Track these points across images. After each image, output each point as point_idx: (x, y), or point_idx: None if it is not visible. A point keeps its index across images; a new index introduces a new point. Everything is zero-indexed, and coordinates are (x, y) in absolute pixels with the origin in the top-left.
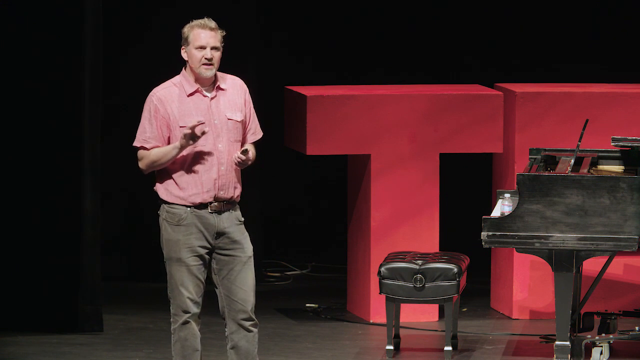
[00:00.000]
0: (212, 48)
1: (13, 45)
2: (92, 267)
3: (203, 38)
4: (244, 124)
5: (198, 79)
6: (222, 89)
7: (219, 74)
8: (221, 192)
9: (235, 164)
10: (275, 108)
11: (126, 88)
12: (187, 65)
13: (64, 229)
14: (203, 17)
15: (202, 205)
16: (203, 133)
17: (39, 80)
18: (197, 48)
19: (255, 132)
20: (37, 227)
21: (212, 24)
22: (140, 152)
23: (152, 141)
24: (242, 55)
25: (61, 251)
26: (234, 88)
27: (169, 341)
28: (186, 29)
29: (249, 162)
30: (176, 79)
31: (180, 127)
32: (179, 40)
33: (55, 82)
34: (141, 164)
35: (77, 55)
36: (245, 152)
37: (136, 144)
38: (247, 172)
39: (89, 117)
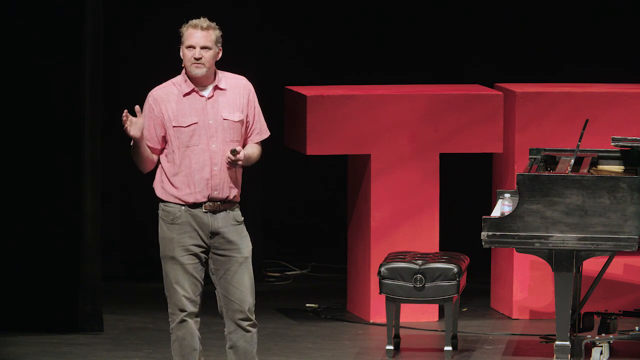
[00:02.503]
0: (202, 47)
1: (13, 45)
2: (92, 267)
3: (193, 38)
4: (244, 124)
5: (193, 79)
6: (221, 89)
7: (221, 73)
8: (215, 192)
9: (227, 163)
10: (275, 108)
11: (126, 88)
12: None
13: (64, 229)
14: (200, 17)
15: (195, 205)
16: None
17: (39, 80)
18: (187, 47)
19: (261, 132)
20: (37, 227)
21: (205, 23)
22: None
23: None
24: (242, 56)
25: (61, 251)
26: (236, 88)
27: (169, 341)
28: (182, 29)
29: (240, 162)
30: (176, 78)
31: (174, 127)
32: (179, 41)
33: (55, 82)
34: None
35: (77, 55)
36: (234, 152)
37: (132, 143)
38: (247, 172)
39: (89, 117)
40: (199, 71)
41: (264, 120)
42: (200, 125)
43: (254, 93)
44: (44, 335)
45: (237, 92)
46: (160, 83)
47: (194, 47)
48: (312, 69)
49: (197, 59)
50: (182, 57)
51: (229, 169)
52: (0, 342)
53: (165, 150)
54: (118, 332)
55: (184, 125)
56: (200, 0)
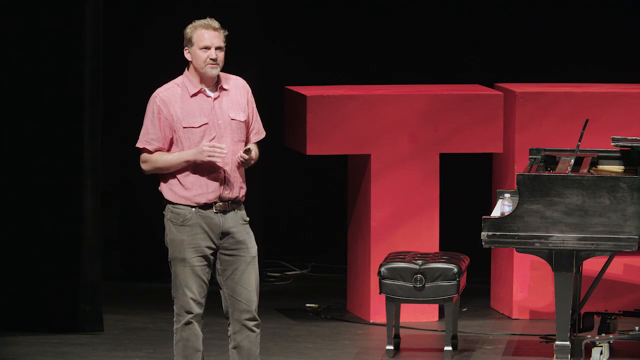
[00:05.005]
0: (217, 48)
1: (13, 45)
2: (92, 267)
3: (207, 38)
4: (247, 124)
5: (202, 79)
6: (225, 89)
7: (222, 74)
8: (226, 192)
9: (238, 163)
10: (275, 108)
11: (127, 88)
12: (191, 66)
13: (64, 229)
14: (205, 17)
15: (206, 206)
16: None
17: (39, 81)
18: (201, 48)
19: (259, 132)
20: (38, 227)
21: (216, 24)
22: (144, 155)
23: (155, 143)
24: (242, 55)
25: (61, 251)
26: (237, 88)
27: (169, 341)
28: (189, 30)
29: (252, 162)
30: (179, 79)
31: (184, 127)
32: (181, 41)
33: (56, 82)
34: (144, 167)
35: (77, 55)
36: (248, 151)
37: (139, 145)
38: (247, 172)
39: (89, 117)
40: (214, 72)
41: (260, 121)
42: (210, 125)
43: (251, 93)
44: (44, 335)
45: (238, 93)
46: (162, 83)
47: (209, 48)
48: (312, 69)
49: (213, 60)
50: (190, 58)
51: (238, 168)
52: (0, 342)
53: (172, 152)
54: (118, 332)
55: (196, 126)
56: (201, 0)
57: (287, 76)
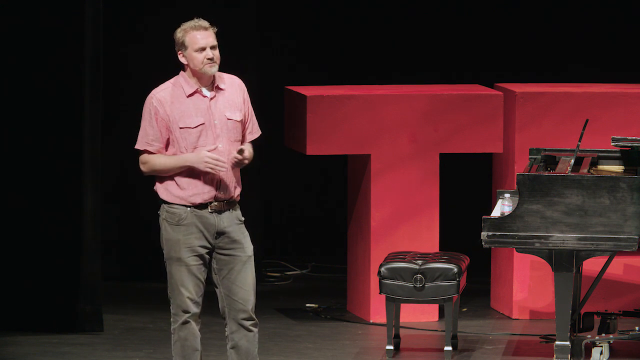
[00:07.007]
0: (211, 47)
1: (13, 45)
2: (92, 267)
3: (201, 39)
4: (243, 124)
5: (199, 80)
6: (220, 89)
7: (217, 73)
8: (221, 192)
9: (232, 163)
10: (275, 108)
11: (126, 88)
12: (187, 68)
13: (64, 229)
14: (193, 19)
15: (202, 205)
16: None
17: (39, 81)
18: (196, 50)
19: (253, 131)
20: (37, 227)
21: (205, 23)
22: (144, 156)
23: (155, 144)
24: (242, 56)
25: (61, 251)
26: (233, 87)
27: (169, 341)
28: (179, 34)
29: (246, 162)
30: (174, 79)
31: (181, 128)
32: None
33: (56, 82)
34: (144, 168)
35: (77, 55)
36: (241, 151)
37: (138, 146)
38: (247, 172)
39: (89, 117)
40: (214, 70)
41: (256, 120)
42: (206, 125)
43: (247, 92)
44: (44, 335)
45: (234, 92)
46: (160, 83)
47: (204, 49)
48: (312, 69)
49: (210, 59)
50: (185, 61)
51: (233, 168)
52: (0, 342)
53: (168, 152)
54: (118, 332)
55: (192, 126)
56: (200, 0)
57: (287, 76)
